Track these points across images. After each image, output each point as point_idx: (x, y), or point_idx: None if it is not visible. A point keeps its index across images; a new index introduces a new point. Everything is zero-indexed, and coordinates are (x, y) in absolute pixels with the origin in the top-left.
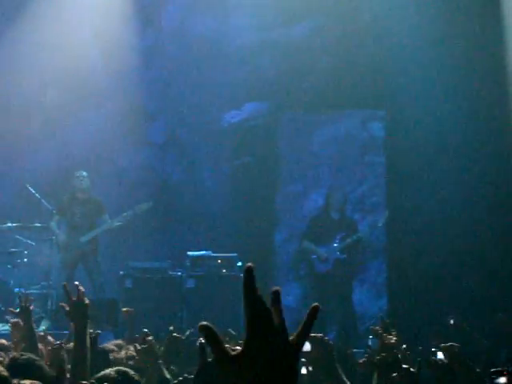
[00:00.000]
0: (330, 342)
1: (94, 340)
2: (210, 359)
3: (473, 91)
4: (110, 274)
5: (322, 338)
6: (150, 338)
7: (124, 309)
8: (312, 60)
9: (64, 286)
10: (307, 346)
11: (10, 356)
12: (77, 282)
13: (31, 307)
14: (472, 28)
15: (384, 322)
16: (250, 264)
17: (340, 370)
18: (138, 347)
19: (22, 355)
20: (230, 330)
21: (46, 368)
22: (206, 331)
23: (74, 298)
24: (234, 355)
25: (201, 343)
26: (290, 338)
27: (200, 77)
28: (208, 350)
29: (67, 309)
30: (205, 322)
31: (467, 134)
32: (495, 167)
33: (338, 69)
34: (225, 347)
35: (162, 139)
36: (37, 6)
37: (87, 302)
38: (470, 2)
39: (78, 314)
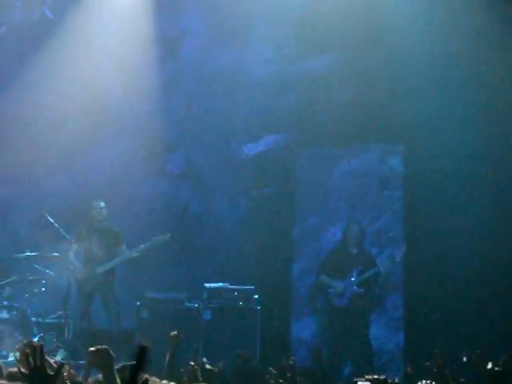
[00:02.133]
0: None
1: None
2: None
3: (492, 124)
4: (127, 305)
5: (385, 380)
6: None
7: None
8: (330, 93)
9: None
10: None
11: None
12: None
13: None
14: (492, 59)
15: None
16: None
17: None
18: None
19: None
20: None
21: None
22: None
23: (93, 348)
24: None
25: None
26: None
27: (219, 108)
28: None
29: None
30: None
31: (487, 167)
32: None
33: (356, 102)
34: None
35: (180, 170)
36: (59, 38)
37: (102, 347)
38: (491, 35)
39: (99, 360)
